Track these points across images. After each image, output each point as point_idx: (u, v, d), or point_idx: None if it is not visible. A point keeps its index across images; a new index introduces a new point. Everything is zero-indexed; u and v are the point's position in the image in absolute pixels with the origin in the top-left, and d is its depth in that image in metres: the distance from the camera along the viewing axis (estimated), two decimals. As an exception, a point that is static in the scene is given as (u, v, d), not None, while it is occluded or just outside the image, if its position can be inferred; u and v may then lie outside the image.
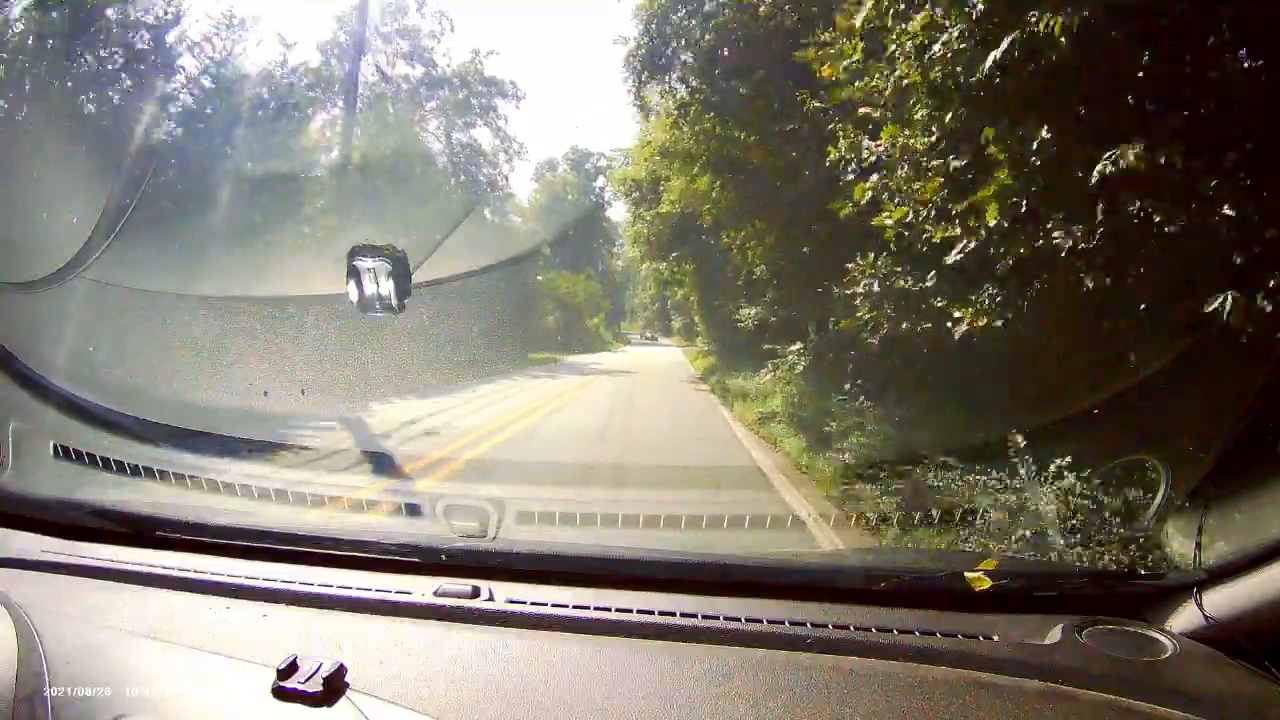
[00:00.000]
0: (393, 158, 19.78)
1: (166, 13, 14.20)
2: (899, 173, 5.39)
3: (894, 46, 5.07)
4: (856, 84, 6.06)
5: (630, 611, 1.55)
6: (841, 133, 6.53)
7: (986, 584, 1.57)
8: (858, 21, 5.43)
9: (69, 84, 13.08)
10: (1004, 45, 3.90)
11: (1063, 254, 4.10)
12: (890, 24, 5.05)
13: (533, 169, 51.33)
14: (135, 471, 3.51)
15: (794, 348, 9.48)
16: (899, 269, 5.91)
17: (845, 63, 6.14)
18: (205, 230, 12.36)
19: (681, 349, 42.23)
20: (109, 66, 13.59)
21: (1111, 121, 3.90)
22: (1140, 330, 4.22)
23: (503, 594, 1.63)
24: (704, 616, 1.53)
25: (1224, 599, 1.45)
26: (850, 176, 6.40)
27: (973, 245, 4.75)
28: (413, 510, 3.18)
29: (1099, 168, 3.64)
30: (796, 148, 9.20)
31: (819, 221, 8.25)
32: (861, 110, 5.99)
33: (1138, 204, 3.81)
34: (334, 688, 1.27)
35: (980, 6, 4.19)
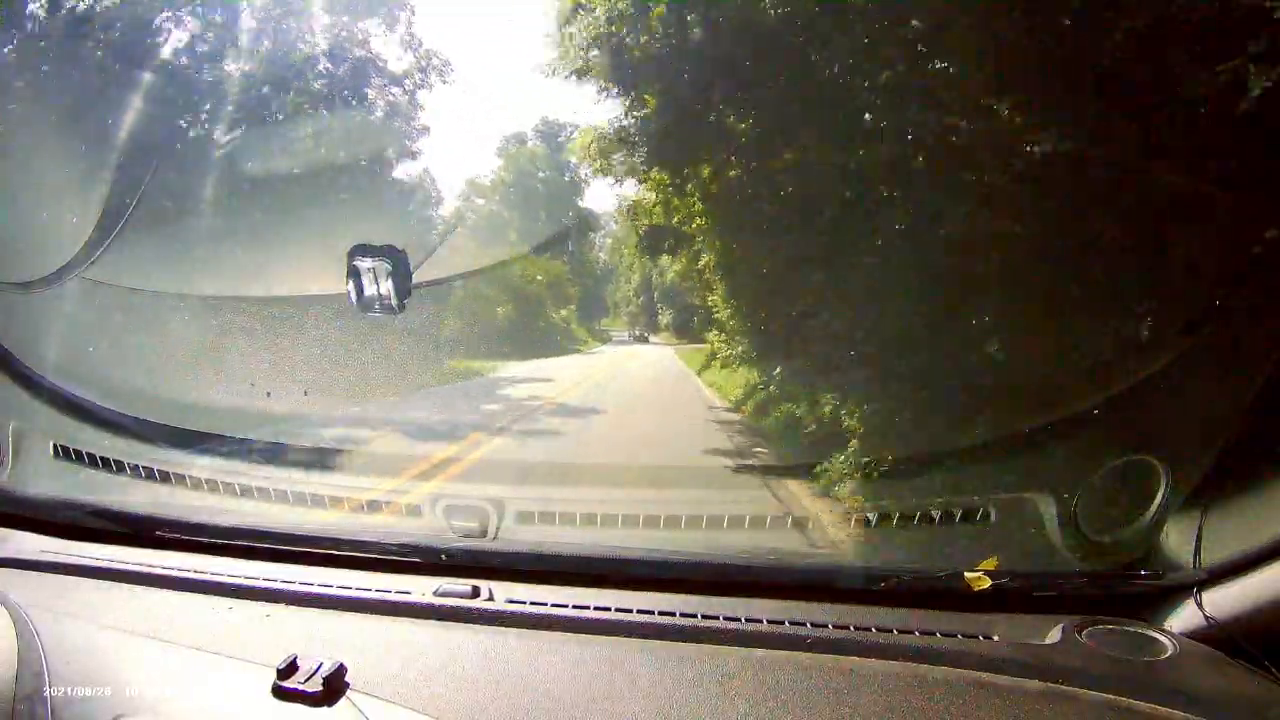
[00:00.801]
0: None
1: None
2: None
3: None
4: None
5: (630, 611, 1.55)
6: None
7: (986, 584, 1.57)
8: None
9: (67, 82, 13.06)
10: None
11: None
12: None
13: (497, 143, 45.07)
14: (135, 471, 3.51)
15: None
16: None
17: None
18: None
19: (673, 348, 34.93)
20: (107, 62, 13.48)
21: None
22: (1142, 328, 4.22)
23: (503, 594, 1.63)
24: (704, 616, 1.53)
25: (1224, 599, 1.45)
26: None
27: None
28: (413, 510, 3.18)
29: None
30: None
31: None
32: None
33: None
34: (334, 687, 1.27)
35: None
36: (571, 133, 45.08)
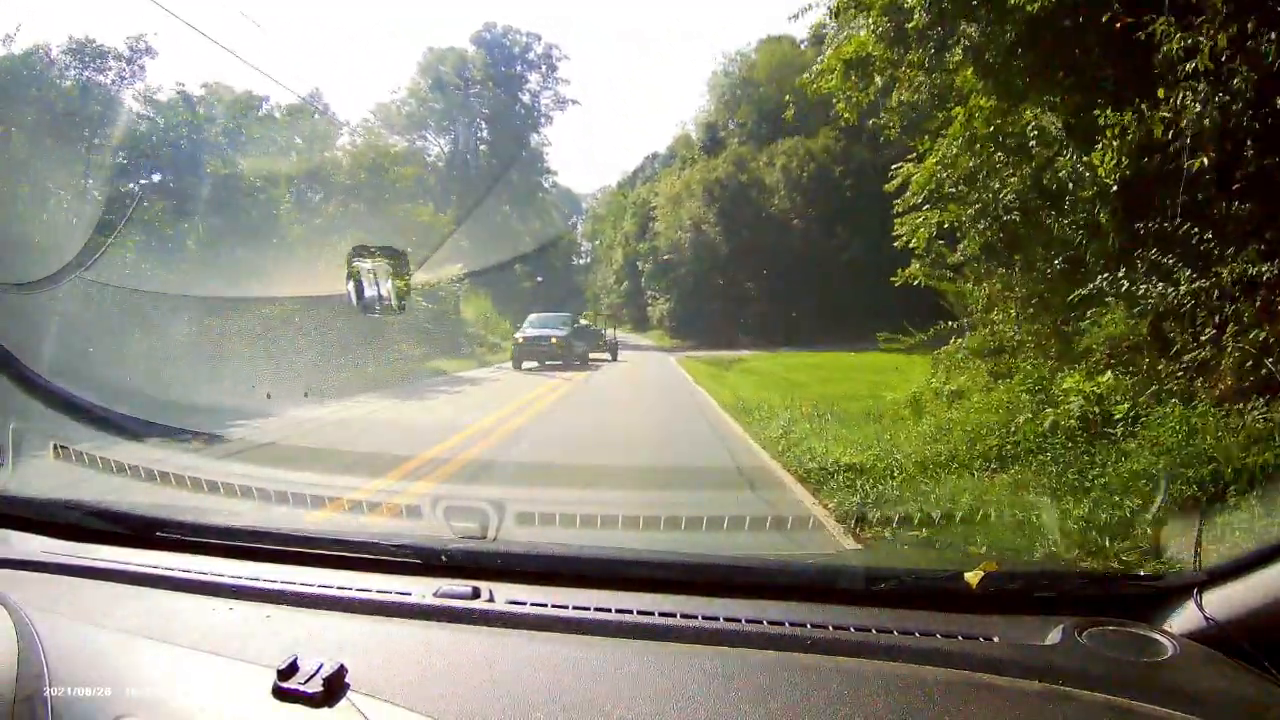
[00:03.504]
0: None
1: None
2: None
3: None
4: None
5: (630, 613, 1.55)
6: None
7: (986, 584, 1.57)
8: None
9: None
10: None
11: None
12: None
13: (419, 58, 31.32)
14: (135, 472, 3.52)
15: None
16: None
17: None
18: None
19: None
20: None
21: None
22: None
23: (503, 595, 1.63)
24: (704, 618, 1.53)
25: (1224, 600, 1.45)
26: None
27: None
28: (413, 511, 3.19)
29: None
30: None
31: None
32: None
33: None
34: (334, 688, 1.27)
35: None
36: (530, 43, 30.41)
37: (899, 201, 7.62)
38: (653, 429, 8.74)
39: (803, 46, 32.17)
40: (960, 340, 7.41)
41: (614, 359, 20.65)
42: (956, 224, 6.88)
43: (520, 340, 17.67)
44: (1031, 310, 6.30)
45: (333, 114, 20.25)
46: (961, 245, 7.10)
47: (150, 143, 14.44)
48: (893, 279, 8.33)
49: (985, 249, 6.61)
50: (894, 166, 7.79)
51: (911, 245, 7.56)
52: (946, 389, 6.76)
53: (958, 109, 6.37)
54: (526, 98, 29.93)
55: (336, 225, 15.09)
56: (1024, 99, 5.56)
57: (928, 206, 7.18)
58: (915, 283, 7.99)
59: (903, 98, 6.81)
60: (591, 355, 19.36)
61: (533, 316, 19.42)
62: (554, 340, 17.24)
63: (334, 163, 17.43)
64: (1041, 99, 5.44)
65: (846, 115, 7.51)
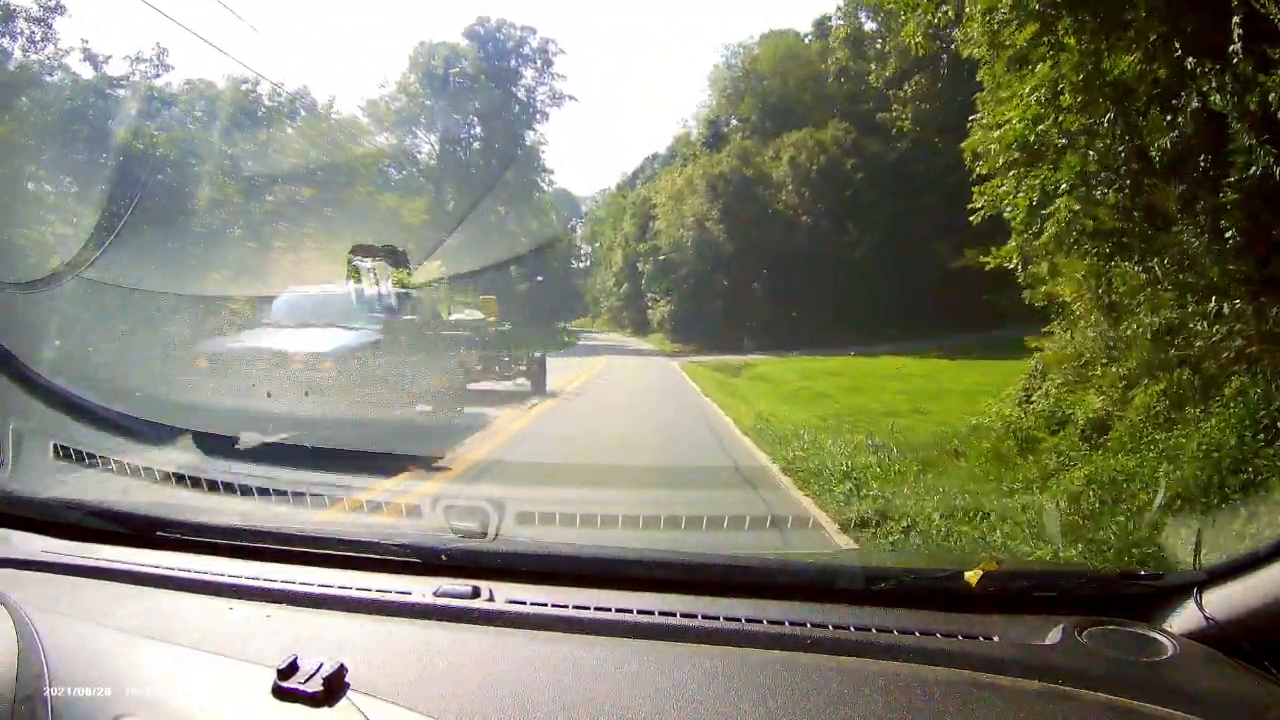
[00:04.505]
0: None
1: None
2: None
3: None
4: None
5: (630, 612, 1.55)
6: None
7: (986, 584, 1.57)
8: None
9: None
10: None
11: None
12: None
13: (411, 51, 29.81)
14: (135, 471, 3.52)
15: None
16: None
17: None
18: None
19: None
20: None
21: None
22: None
23: (503, 594, 1.63)
24: (704, 617, 1.53)
25: (1224, 599, 1.45)
26: None
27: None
28: (413, 511, 3.19)
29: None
30: None
31: None
32: None
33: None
34: (334, 688, 1.27)
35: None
36: (524, 37, 28.77)
37: (981, 164, 6.00)
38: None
39: (807, 40, 32.07)
40: (1061, 342, 5.68)
41: (540, 388, 11.52)
42: (1073, 184, 4.80)
43: (204, 362, 7.61)
44: (1224, 301, 4.13)
45: (311, 101, 19.36)
46: (1066, 212, 4.88)
47: (142, 141, 14.42)
48: (984, 259, 6.44)
49: (1124, 209, 4.57)
50: (971, 117, 6.19)
51: (1008, 215, 5.66)
52: (1081, 416, 4.65)
53: (1069, 35, 4.50)
54: (521, 93, 28.56)
55: (287, 213, 14.11)
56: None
57: (1013, 173, 5.42)
58: (1009, 266, 6.03)
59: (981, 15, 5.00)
60: (487, 384, 10.45)
61: (283, 297, 8.74)
62: (301, 359, 7.34)
63: (282, 142, 15.95)
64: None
65: (917, 42, 6.09)
